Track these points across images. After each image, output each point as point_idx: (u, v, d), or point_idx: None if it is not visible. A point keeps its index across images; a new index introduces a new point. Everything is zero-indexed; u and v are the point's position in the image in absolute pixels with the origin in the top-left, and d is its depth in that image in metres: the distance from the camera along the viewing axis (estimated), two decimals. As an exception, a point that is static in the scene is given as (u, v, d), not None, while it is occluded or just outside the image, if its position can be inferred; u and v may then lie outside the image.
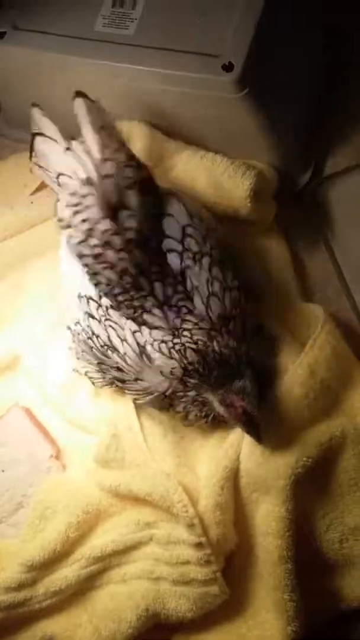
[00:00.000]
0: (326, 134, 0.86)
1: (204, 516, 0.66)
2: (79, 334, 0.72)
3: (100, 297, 0.70)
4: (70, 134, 0.84)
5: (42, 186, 0.88)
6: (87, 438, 0.76)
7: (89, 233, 0.70)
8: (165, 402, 0.69)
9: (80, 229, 0.71)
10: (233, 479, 0.69)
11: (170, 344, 0.67)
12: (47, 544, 0.69)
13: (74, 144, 0.74)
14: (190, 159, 0.78)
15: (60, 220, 0.72)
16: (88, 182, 0.71)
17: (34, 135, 0.76)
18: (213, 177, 0.77)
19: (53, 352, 0.79)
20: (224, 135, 0.79)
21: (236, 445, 0.69)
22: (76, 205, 0.71)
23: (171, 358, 0.66)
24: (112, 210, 0.70)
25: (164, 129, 0.81)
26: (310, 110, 0.86)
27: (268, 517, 0.67)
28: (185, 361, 0.66)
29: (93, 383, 0.73)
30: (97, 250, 0.70)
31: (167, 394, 0.68)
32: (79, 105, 0.74)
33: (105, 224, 0.70)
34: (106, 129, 0.73)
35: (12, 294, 0.84)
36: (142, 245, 0.69)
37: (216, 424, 0.70)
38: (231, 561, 0.70)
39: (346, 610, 0.68)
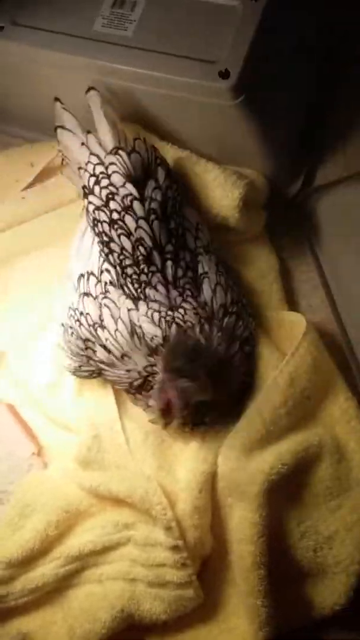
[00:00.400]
0: (318, 144, 0.86)
1: (182, 519, 0.67)
2: (67, 322, 0.72)
3: (101, 273, 0.70)
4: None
5: (35, 182, 0.88)
6: (69, 437, 0.76)
7: (110, 197, 0.71)
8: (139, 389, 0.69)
9: (101, 194, 0.72)
10: (211, 482, 0.69)
11: (163, 314, 0.67)
12: (25, 542, 0.69)
13: (89, 137, 0.75)
14: (183, 164, 0.78)
15: (84, 187, 0.74)
16: (114, 152, 0.73)
17: (56, 127, 0.78)
18: (203, 184, 0.77)
19: (37, 351, 0.79)
20: (217, 141, 0.79)
21: (215, 449, 0.70)
22: (100, 173, 0.73)
23: (157, 326, 0.67)
24: (137, 180, 0.71)
25: (157, 131, 0.81)
26: (303, 120, 0.86)
27: (242, 522, 0.68)
28: (166, 332, 0.66)
29: (78, 375, 0.73)
30: (116, 215, 0.71)
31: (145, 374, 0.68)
32: (94, 97, 0.76)
33: (128, 189, 0.71)
34: (120, 124, 0.76)
35: (-1, 291, 0.84)
36: (162, 222, 0.70)
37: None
38: (206, 565, 0.70)
39: (317, 619, 0.69)
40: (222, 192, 0.76)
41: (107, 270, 0.71)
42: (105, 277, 0.70)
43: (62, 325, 0.73)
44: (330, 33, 0.87)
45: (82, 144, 0.76)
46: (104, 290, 0.70)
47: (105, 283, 0.70)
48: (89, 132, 0.76)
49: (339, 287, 0.79)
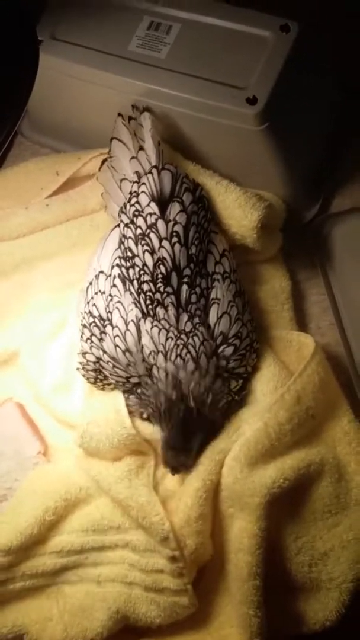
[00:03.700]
0: (336, 173, 0.89)
1: (186, 525, 0.68)
2: (85, 317, 0.75)
3: (112, 268, 0.74)
4: (93, 146, 0.88)
5: (59, 191, 0.91)
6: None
7: (136, 214, 0.74)
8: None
9: (129, 212, 0.75)
10: (214, 491, 0.71)
11: (170, 334, 0.70)
12: (24, 529, 0.70)
13: (140, 153, 0.78)
14: (205, 183, 0.81)
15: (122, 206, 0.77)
16: (148, 171, 0.76)
17: (112, 139, 0.81)
18: (224, 204, 0.79)
19: (50, 352, 0.81)
20: (239, 164, 0.82)
21: (220, 460, 0.71)
22: (134, 192, 0.76)
23: (158, 343, 0.70)
24: (162, 201, 0.74)
25: (182, 150, 0.83)
26: (323, 150, 0.89)
27: (241, 533, 0.69)
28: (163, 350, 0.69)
29: (86, 376, 0.75)
30: (140, 232, 0.73)
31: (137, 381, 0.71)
32: (146, 118, 0.79)
33: (152, 208, 0.74)
34: (162, 146, 0.79)
35: (17, 292, 0.86)
36: (184, 245, 0.73)
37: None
38: (202, 573, 0.72)
39: (307, 633, 0.70)
40: (241, 213, 0.78)
41: (118, 266, 0.74)
42: (116, 271, 0.73)
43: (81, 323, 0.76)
44: (352, 68, 0.90)
45: (132, 157, 0.79)
46: (112, 284, 0.73)
47: (114, 277, 0.73)
48: (141, 148, 0.79)
49: (348, 311, 0.82)
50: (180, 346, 0.70)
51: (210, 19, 0.81)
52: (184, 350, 0.70)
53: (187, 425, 0.70)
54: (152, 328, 0.70)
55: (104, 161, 0.82)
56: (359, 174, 0.90)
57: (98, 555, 0.71)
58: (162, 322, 0.70)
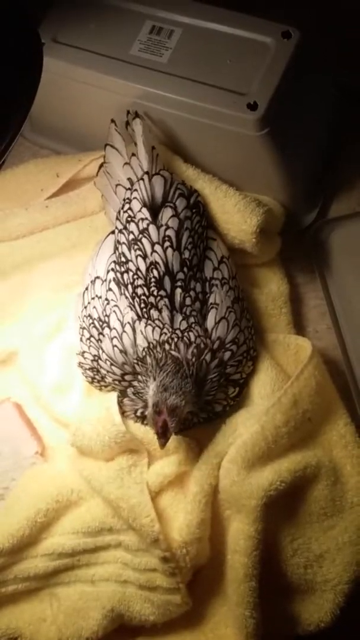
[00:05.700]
0: (334, 179, 0.90)
1: (188, 531, 0.69)
2: (84, 321, 0.75)
3: (107, 272, 0.75)
4: (93, 148, 0.88)
5: (59, 192, 0.91)
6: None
7: (128, 220, 0.76)
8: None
9: (122, 218, 0.76)
10: (212, 495, 0.71)
11: (164, 330, 0.70)
12: (15, 531, 0.71)
13: (133, 159, 0.79)
14: (205, 187, 0.81)
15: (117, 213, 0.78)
16: (140, 177, 0.77)
17: (106, 145, 0.82)
18: (224, 209, 0.80)
19: (48, 352, 0.81)
20: (240, 168, 0.83)
21: (219, 463, 0.72)
22: (127, 199, 0.77)
23: (151, 339, 0.70)
24: (154, 207, 0.75)
25: (183, 155, 0.84)
26: (321, 156, 0.90)
27: (237, 535, 0.69)
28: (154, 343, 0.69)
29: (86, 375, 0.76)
30: (133, 237, 0.75)
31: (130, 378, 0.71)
32: (137, 124, 0.80)
33: (143, 213, 0.75)
34: (156, 150, 0.79)
35: (16, 292, 0.86)
36: (177, 249, 0.74)
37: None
38: (199, 574, 0.72)
39: (302, 634, 0.70)
40: (241, 217, 0.79)
41: (113, 270, 0.75)
42: (111, 275, 0.74)
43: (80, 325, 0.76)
44: (352, 74, 0.91)
45: (125, 164, 0.80)
46: (108, 288, 0.74)
47: (110, 281, 0.74)
48: (133, 154, 0.80)
49: (346, 315, 0.82)
50: (175, 339, 0.70)
51: (212, 24, 0.82)
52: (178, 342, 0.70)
53: (178, 372, 0.68)
54: (146, 327, 0.71)
55: (100, 167, 0.83)
56: (357, 180, 0.91)
57: (91, 556, 0.71)
58: (156, 321, 0.72)
